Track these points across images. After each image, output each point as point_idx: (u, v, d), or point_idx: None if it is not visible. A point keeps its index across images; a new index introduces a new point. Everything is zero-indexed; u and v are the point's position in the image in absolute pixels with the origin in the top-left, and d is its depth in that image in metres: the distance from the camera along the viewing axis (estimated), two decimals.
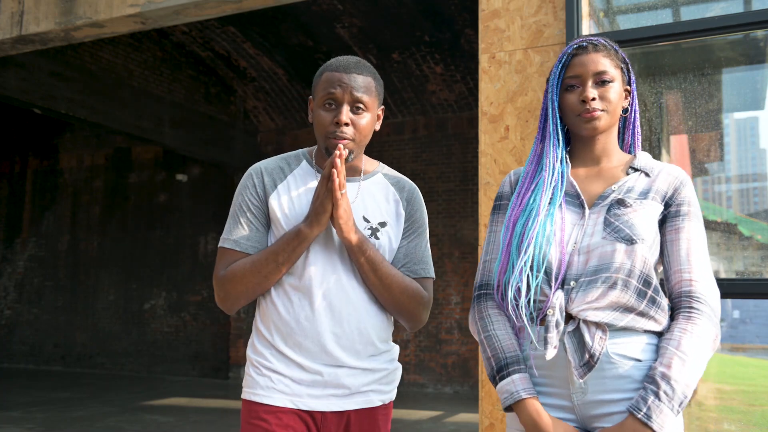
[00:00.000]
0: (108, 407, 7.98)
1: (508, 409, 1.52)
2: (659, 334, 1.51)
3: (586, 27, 2.88)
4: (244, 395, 1.78)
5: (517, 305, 1.52)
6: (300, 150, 1.89)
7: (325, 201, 1.65)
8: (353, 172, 1.82)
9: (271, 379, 1.72)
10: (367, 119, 1.75)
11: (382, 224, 1.80)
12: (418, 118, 10.20)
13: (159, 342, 11.42)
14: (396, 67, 9.60)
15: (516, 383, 1.50)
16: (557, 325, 1.47)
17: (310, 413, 1.72)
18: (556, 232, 1.54)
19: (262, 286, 1.73)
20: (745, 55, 5.36)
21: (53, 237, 12.68)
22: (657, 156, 5.54)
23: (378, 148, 10.08)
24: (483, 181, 2.90)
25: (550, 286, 1.51)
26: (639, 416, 1.39)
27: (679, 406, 1.40)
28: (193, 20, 4.79)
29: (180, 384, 10.21)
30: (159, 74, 9.69)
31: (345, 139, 1.71)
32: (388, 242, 1.80)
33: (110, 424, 6.95)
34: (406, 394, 9.15)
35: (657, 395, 1.39)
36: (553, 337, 1.46)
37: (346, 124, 1.71)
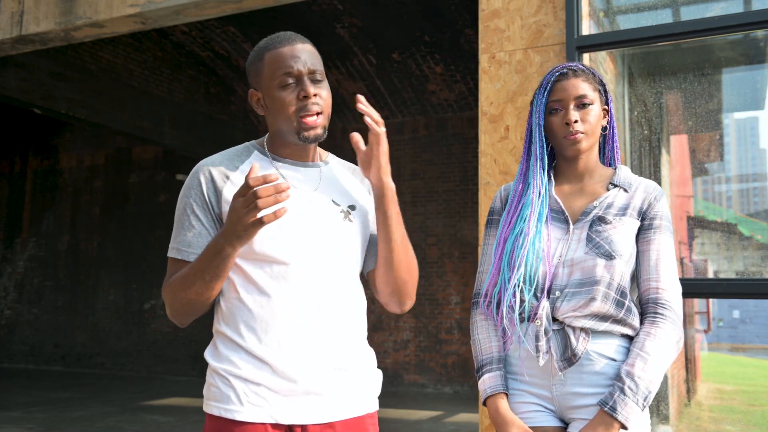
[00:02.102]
0: (108, 407, 7.98)
1: (485, 404, 1.73)
2: (633, 338, 1.69)
3: (586, 27, 2.88)
4: (211, 410, 1.56)
5: (510, 317, 1.69)
6: (245, 143, 1.72)
7: (250, 227, 1.39)
8: (312, 155, 1.69)
9: (244, 390, 1.52)
10: (327, 88, 1.62)
11: (352, 207, 1.68)
12: (418, 118, 10.20)
13: (159, 342, 11.42)
14: (396, 67, 9.60)
15: (485, 382, 1.71)
16: (546, 332, 1.65)
17: (291, 428, 1.53)
18: (543, 247, 1.70)
19: (200, 303, 1.56)
20: (745, 55, 5.36)
21: (53, 237, 12.68)
22: (657, 156, 5.55)
23: None
24: (483, 181, 2.90)
25: (537, 296, 1.68)
26: (606, 409, 1.56)
27: (644, 400, 1.57)
28: (193, 20, 4.79)
29: (180, 384, 10.22)
30: (159, 74, 9.69)
31: (317, 112, 1.58)
32: (360, 226, 1.67)
33: (110, 424, 6.95)
34: (406, 394, 9.15)
35: (622, 390, 1.56)
36: (543, 344, 1.65)
37: (315, 95, 1.58)
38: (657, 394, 5.09)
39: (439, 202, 9.84)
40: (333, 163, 1.76)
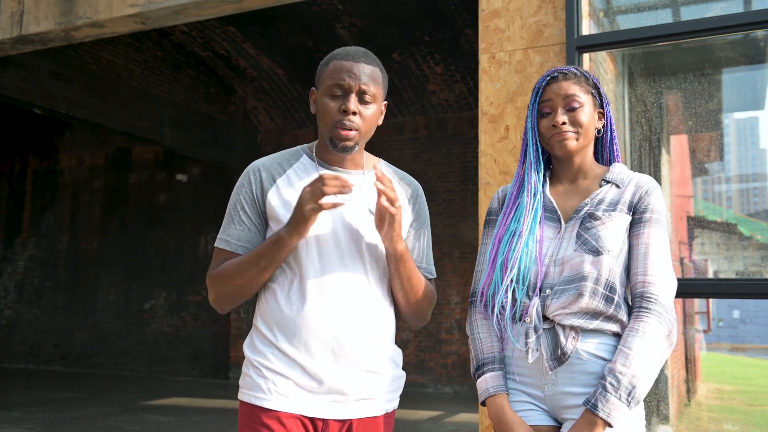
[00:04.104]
0: (108, 407, 7.98)
1: (483, 403, 1.72)
2: None
3: (586, 27, 2.88)
4: (243, 397, 1.70)
5: (502, 316, 1.71)
6: (298, 146, 1.83)
7: (309, 211, 1.55)
8: (355, 165, 1.78)
9: (273, 381, 1.65)
10: (373, 110, 1.71)
11: None
12: (418, 118, 10.20)
13: (159, 342, 11.42)
14: (396, 67, 9.60)
15: (488, 381, 1.70)
16: (536, 330, 1.66)
17: (312, 420, 1.65)
18: (536, 248, 1.71)
19: (248, 289, 1.69)
20: (745, 55, 5.37)
21: (53, 237, 12.67)
22: (657, 156, 5.55)
23: (378, 148, 10.00)
24: (483, 181, 2.90)
25: (529, 296, 1.69)
26: (588, 407, 1.57)
27: (628, 396, 1.55)
28: (193, 20, 4.79)
29: (180, 384, 10.21)
30: (159, 74, 9.69)
31: (352, 129, 1.67)
32: None
33: (110, 424, 6.95)
34: (406, 394, 9.06)
35: (604, 387, 1.56)
36: (533, 342, 1.65)
37: (354, 113, 1.67)
38: (657, 394, 5.09)
39: (439, 202, 9.84)
40: (380, 170, 1.81)
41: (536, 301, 1.66)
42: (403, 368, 1.84)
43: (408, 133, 10.21)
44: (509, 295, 1.68)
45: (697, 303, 9.27)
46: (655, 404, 4.99)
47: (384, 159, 1.89)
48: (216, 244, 1.75)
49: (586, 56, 2.82)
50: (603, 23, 3.49)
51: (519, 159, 1.84)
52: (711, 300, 10.80)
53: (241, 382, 1.73)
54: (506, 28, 2.93)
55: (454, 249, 9.75)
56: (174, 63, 9.92)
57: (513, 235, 1.73)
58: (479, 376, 1.73)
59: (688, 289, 2.79)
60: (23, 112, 11.80)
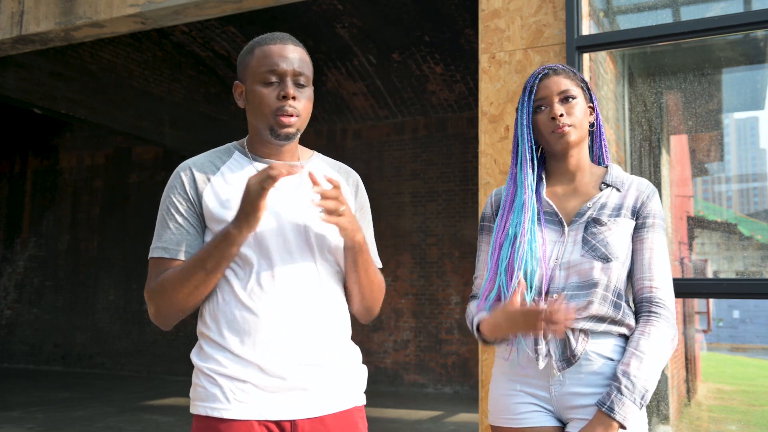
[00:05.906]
0: (108, 407, 7.98)
1: (478, 329, 1.73)
2: (629, 337, 1.70)
3: (586, 27, 2.88)
4: (197, 410, 1.55)
5: None
6: (228, 144, 1.73)
7: (257, 200, 1.44)
8: (292, 157, 1.69)
9: (230, 388, 1.52)
10: (309, 94, 1.62)
11: None
12: (418, 118, 10.20)
13: (159, 342, 11.42)
14: (396, 67, 9.60)
15: (479, 316, 1.73)
16: (545, 336, 1.65)
17: (278, 423, 1.53)
18: (539, 250, 1.70)
19: (194, 297, 1.54)
20: (745, 55, 5.37)
21: (53, 237, 12.68)
22: (657, 156, 5.55)
23: (378, 148, 10.08)
24: (483, 181, 2.90)
25: (535, 300, 1.68)
26: (603, 410, 1.57)
27: (641, 399, 1.58)
28: (193, 20, 4.78)
29: (180, 384, 10.22)
30: (159, 74, 9.69)
31: (293, 114, 1.58)
32: None
33: (110, 424, 6.95)
34: (406, 394, 9.15)
35: (619, 390, 1.57)
36: (542, 348, 1.66)
37: (294, 98, 1.58)
38: (657, 394, 5.09)
39: (439, 202, 9.84)
40: (316, 161, 1.75)
41: (543, 306, 1.65)
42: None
43: (408, 133, 10.21)
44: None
45: (697, 303, 9.27)
46: (655, 404, 4.99)
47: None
48: (151, 255, 1.59)
49: (586, 56, 2.83)
50: (603, 23, 3.49)
51: (511, 159, 1.82)
52: (711, 300, 10.81)
53: (192, 394, 1.59)
54: (506, 28, 2.93)
55: (454, 249, 9.75)
56: (174, 63, 9.92)
57: (514, 239, 1.72)
58: (477, 322, 1.74)
59: (688, 289, 2.80)
60: (23, 112, 11.81)
